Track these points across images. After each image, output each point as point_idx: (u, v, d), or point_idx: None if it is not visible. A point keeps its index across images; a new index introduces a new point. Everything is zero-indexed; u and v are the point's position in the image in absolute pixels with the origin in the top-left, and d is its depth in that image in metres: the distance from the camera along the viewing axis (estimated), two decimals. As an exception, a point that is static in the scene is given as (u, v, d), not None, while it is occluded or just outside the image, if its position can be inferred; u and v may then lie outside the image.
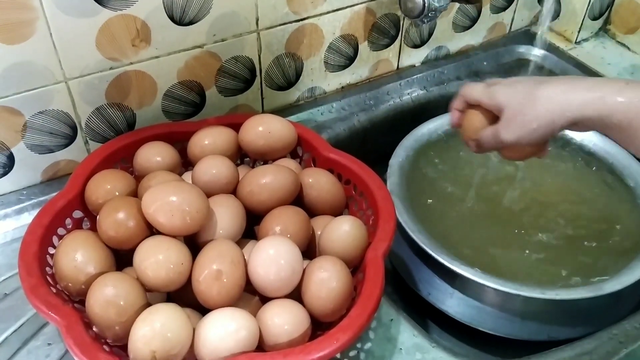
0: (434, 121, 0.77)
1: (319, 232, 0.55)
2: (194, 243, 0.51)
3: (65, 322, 0.44)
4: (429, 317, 0.67)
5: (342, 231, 0.52)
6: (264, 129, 0.60)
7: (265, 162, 0.62)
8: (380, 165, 0.69)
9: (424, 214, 0.66)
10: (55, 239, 0.53)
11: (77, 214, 0.55)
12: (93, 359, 0.42)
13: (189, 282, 0.48)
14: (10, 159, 0.63)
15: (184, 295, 0.49)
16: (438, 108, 0.80)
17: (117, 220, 0.49)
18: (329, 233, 0.52)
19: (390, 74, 0.86)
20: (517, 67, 0.92)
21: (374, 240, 0.52)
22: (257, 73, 0.73)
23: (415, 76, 0.86)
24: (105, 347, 0.46)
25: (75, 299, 0.49)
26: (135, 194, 0.55)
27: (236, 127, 0.61)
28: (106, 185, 0.54)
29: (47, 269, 0.50)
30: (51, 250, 0.52)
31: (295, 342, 0.46)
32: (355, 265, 0.52)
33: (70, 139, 0.65)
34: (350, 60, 0.81)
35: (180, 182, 0.51)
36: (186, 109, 0.70)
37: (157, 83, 0.66)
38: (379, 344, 0.53)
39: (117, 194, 0.54)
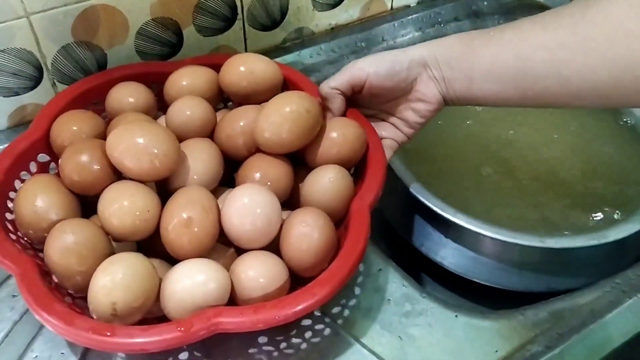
0: None
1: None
2: (165, 190, 0.47)
3: (20, 270, 0.41)
4: (422, 270, 0.64)
5: (326, 180, 0.47)
6: (246, 69, 0.55)
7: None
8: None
9: (417, 161, 0.62)
10: (18, 184, 0.49)
11: (43, 157, 0.51)
12: (47, 309, 0.39)
13: (158, 231, 0.45)
14: None
15: (154, 245, 0.46)
16: None
17: (80, 163, 0.45)
18: (312, 183, 0.48)
19: (383, 15, 0.81)
20: (520, 8, 0.85)
21: (361, 189, 0.48)
22: (239, 11, 0.68)
23: (410, 17, 0.81)
24: (67, 298, 0.43)
25: (37, 246, 0.46)
26: (104, 137, 0.51)
27: (218, 68, 0.57)
28: (72, 127, 0.50)
29: (8, 214, 0.47)
30: (13, 195, 0.48)
31: (270, 296, 0.42)
32: (340, 217, 0.48)
33: (36, 80, 0.60)
34: None
35: (148, 123, 0.46)
36: (162, 49, 0.66)
37: (128, 19, 0.61)
38: (365, 296, 0.50)
39: (84, 136, 0.50)
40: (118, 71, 0.57)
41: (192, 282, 0.41)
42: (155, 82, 0.58)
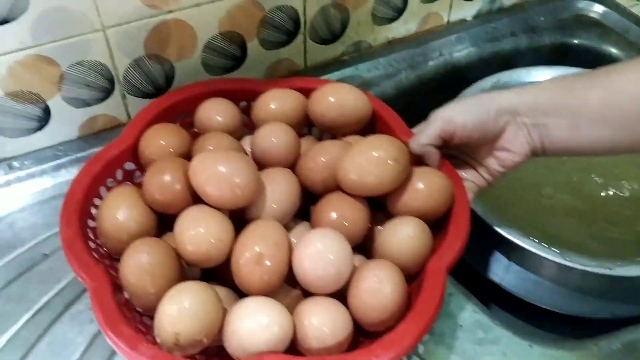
0: (487, 81, 0.71)
1: (380, 227, 0.49)
2: (240, 217, 0.47)
3: (94, 284, 0.42)
4: (481, 291, 0.61)
5: (404, 235, 0.46)
6: (336, 101, 0.54)
7: (334, 137, 0.57)
8: None
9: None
10: (103, 190, 0.50)
11: (129, 165, 0.53)
12: (115, 330, 0.40)
13: (228, 259, 0.44)
14: (46, 112, 0.60)
15: (222, 272, 0.45)
16: (490, 66, 0.77)
17: (162, 182, 0.46)
18: (389, 234, 0.46)
19: (439, 29, 0.80)
20: (576, 24, 0.85)
21: (440, 248, 0.46)
22: (301, 24, 0.68)
23: (467, 31, 0.80)
24: (135, 314, 0.44)
25: (115, 256, 0.47)
26: (190, 152, 0.52)
27: (306, 92, 0.56)
28: (160, 141, 0.51)
29: (90, 221, 0.48)
30: (97, 202, 0.49)
31: (331, 349, 0.41)
32: (414, 273, 0.46)
33: (108, 92, 0.62)
34: (399, 12, 0.75)
35: (232, 152, 0.46)
36: (226, 62, 0.67)
37: (197, 34, 0.62)
38: (438, 320, 0.48)
39: (171, 150, 0.51)
40: (210, 85, 0.57)
41: (256, 324, 0.40)
42: (244, 99, 0.58)
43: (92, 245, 0.47)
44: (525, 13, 0.83)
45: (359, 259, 0.49)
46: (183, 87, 0.57)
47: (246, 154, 0.53)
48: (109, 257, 0.47)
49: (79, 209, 0.47)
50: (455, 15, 0.80)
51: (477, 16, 0.82)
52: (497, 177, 0.52)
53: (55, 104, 0.60)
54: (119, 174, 0.52)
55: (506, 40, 0.81)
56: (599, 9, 0.85)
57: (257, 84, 0.58)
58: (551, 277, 0.56)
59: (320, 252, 0.43)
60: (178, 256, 0.44)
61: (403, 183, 0.48)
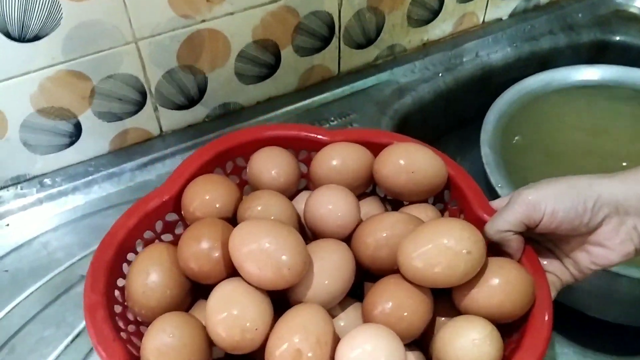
0: (528, 81, 0.68)
1: (443, 319, 0.42)
2: (280, 297, 0.41)
3: (111, 363, 0.37)
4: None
5: (468, 340, 0.38)
6: (407, 164, 0.47)
7: (398, 202, 0.50)
8: (463, 129, 0.65)
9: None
10: (139, 244, 0.46)
11: (171, 216, 0.48)
12: None
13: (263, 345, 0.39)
14: (77, 128, 0.58)
15: (251, 356, 0.40)
16: (528, 67, 0.75)
17: (199, 250, 0.41)
18: (451, 336, 0.39)
19: (475, 29, 0.77)
20: (615, 20, 0.81)
21: (516, 355, 0.38)
22: (336, 30, 0.65)
23: (503, 31, 0.78)
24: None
25: (144, 322, 0.43)
26: (238, 204, 0.47)
27: (373, 147, 0.50)
28: (205, 195, 0.46)
29: (121, 280, 0.44)
30: (131, 257, 0.45)
31: None
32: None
33: (139, 105, 0.60)
34: (435, 13, 0.73)
35: (280, 225, 0.40)
36: (260, 70, 0.64)
37: (230, 42, 0.60)
38: None
39: (217, 206, 0.46)
40: (266, 131, 0.52)
41: None
42: (304, 149, 0.52)
43: (118, 309, 0.42)
44: (562, 10, 0.80)
45: (414, 356, 0.42)
46: (238, 131, 0.52)
47: (298, 217, 0.47)
48: (136, 323, 0.43)
49: (109, 269, 0.42)
50: (491, 15, 0.77)
51: (514, 15, 0.79)
52: (585, 275, 0.44)
53: (86, 119, 0.58)
54: (159, 226, 0.47)
55: (544, 39, 0.78)
56: (639, 3, 0.81)
57: (320, 132, 0.52)
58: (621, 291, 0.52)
59: (368, 354, 0.36)
60: (207, 337, 0.39)
61: (475, 276, 0.40)
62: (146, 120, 0.61)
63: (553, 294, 0.43)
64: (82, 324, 0.49)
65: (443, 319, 0.43)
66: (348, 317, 0.43)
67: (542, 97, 0.68)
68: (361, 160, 0.49)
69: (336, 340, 0.38)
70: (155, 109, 0.61)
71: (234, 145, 0.51)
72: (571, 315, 0.54)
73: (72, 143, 0.59)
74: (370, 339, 0.37)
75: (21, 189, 0.58)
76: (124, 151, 0.62)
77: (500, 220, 0.42)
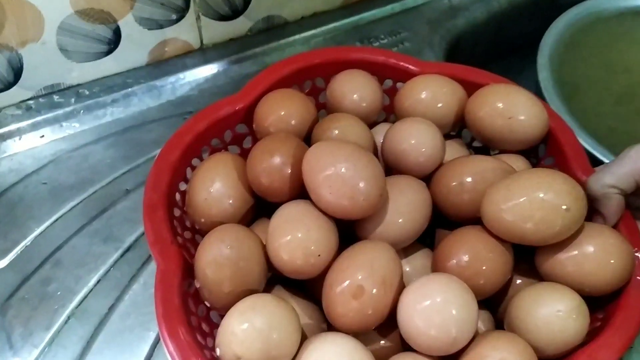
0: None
1: (519, 280, 0.38)
2: (347, 230, 0.38)
3: (164, 266, 0.36)
4: None
5: (552, 311, 0.34)
6: (505, 108, 0.42)
7: (485, 151, 0.45)
8: (513, 57, 0.62)
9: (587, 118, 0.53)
10: (206, 152, 0.43)
11: (241, 128, 0.45)
12: (170, 326, 0.33)
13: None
14: (117, 34, 0.54)
15: (309, 282, 0.38)
16: None
17: (271, 165, 0.38)
18: (531, 304, 0.35)
19: None
20: None
21: (597, 340, 0.34)
22: None
23: None
24: (203, 307, 0.37)
25: (201, 230, 0.41)
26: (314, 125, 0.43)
27: (467, 85, 0.45)
28: (280, 111, 0.43)
29: (183, 184, 0.41)
30: (196, 162, 0.43)
31: None
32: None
33: (182, 12, 0.55)
34: None
35: (359, 149, 0.37)
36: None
37: None
38: None
39: (292, 123, 0.42)
40: (353, 52, 0.48)
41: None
42: (390, 78, 0.48)
43: (177, 212, 0.40)
44: None
45: (484, 316, 0.38)
46: (321, 49, 0.48)
47: (376, 149, 0.43)
48: (194, 230, 0.41)
49: (172, 170, 0.40)
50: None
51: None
52: None
53: (126, 24, 0.54)
54: (228, 136, 0.45)
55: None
56: None
57: (411, 62, 0.48)
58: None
59: (438, 306, 0.33)
60: (266, 255, 0.37)
61: (567, 240, 0.36)
62: (187, 31, 0.57)
63: None
64: (132, 238, 0.47)
65: (519, 281, 0.39)
66: (415, 263, 0.40)
67: (609, 19, 0.62)
68: (453, 97, 0.44)
69: (402, 285, 0.35)
70: (198, 18, 0.57)
71: (316, 64, 0.47)
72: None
73: (110, 51, 0.56)
74: (442, 290, 0.33)
75: (57, 99, 0.55)
76: (164, 64, 0.58)
77: (608, 173, 0.37)
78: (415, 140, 0.40)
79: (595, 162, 0.49)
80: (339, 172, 0.35)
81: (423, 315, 0.33)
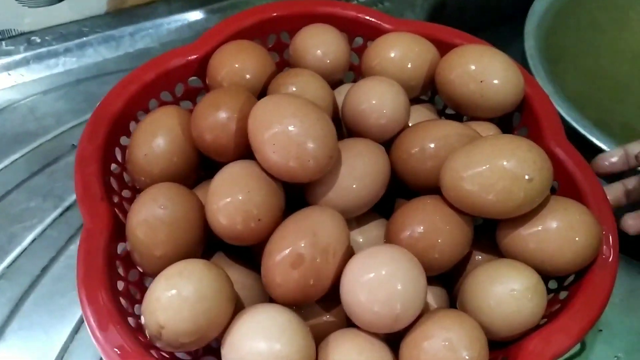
0: None
1: (479, 257, 0.36)
2: (295, 193, 0.35)
3: (91, 224, 0.33)
4: None
5: (506, 290, 0.31)
6: (478, 71, 0.39)
7: (458, 118, 0.42)
8: (501, 26, 0.58)
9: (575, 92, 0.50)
10: (154, 104, 0.40)
11: (196, 82, 0.42)
12: (89, 290, 0.30)
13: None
14: None
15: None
16: None
17: (216, 120, 0.35)
18: (484, 281, 0.32)
19: None
20: None
21: (553, 324, 0.31)
22: None
23: None
24: (134, 271, 0.34)
25: (141, 189, 0.38)
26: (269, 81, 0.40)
27: (442, 46, 0.42)
28: (234, 63, 0.39)
29: (125, 138, 0.38)
30: (143, 116, 0.39)
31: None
32: (502, 341, 0.33)
33: None
34: None
35: (311, 105, 0.33)
36: None
37: None
38: None
39: (247, 77, 0.39)
40: (320, 6, 0.44)
41: (263, 348, 0.29)
42: (361, 35, 0.44)
43: (116, 168, 0.37)
44: None
45: (437, 293, 0.36)
46: (287, 1, 0.44)
47: (337, 110, 0.40)
48: (134, 190, 0.38)
49: (111, 122, 0.37)
50: None
51: None
52: None
53: None
54: (180, 90, 0.42)
55: None
56: None
57: (384, 19, 0.44)
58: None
59: (383, 280, 0.30)
60: (202, 215, 0.34)
61: (529, 213, 0.33)
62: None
63: None
64: (74, 196, 0.43)
65: (479, 258, 0.36)
66: (369, 234, 0.37)
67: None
68: (426, 58, 0.41)
69: (349, 254, 0.33)
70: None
71: (280, 16, 0.44)
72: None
73: (64, -5, 0.52)
74: (388, 263, 0.31)
75: (6, 46, 0.51)
76: (124, 13, 0.54)
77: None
78: (377, 100, 0.37)
79: (576, 134, 0.46)
80: (285, 129, 0.32)
81: (366, 289, 0.30)
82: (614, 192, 0.40)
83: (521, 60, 0.53)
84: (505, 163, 0.32)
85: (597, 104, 0.52)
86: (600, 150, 0.44)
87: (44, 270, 0.40)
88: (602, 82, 0.54)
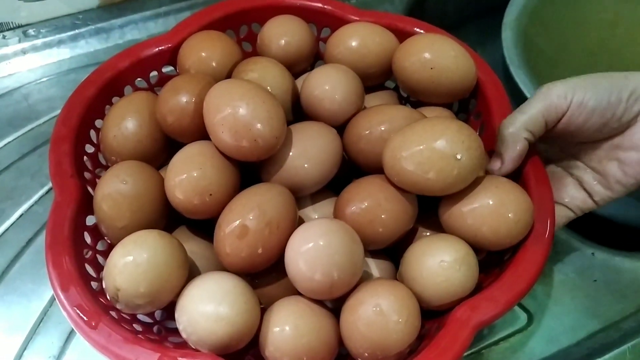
0: None
1: (427, 233, 0.38)
2: (254, 172, 0.38)
3: (60, 197, 0.36)
4: None
5: (436, 261, 0.34)
6: (431, 59, 0.41)
7: (420, 105, 0.44)
8: (486, 19, 0.59)
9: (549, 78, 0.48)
10: (128, 90, 0.43)
11: (169, 70, 0.45)
12: (54, 255, 0.34)
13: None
14: None
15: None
16: None
17: (176, 103, 0.38)
18: (418, 254, 0.35)
19: None
20: None
21: (480, 294, 0.33)
22: None
23: None
24: (102, 241, 0.38)
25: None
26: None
27: (404, 36, 0.43)
28: (201, 52, 0.42)
29: (100, 121, 0.42)
30: (116, 101, 0.43)
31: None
32: (435, 310, 0.35)
33: None
34: None
35: (260, 89, 0.36)
36: None
37: None
38: None
39: (213, 65, 0.42)
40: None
41: (210, 312, 0.32)
42: (328, 26, 0.47)
43: (90, 149, 0.40)
44: None
45: (383, 266, 0.38)
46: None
47: (297, 97, 0.43)
48: (107, 168, 0.41)
49: (86, 105, 0.40)
50: None
51: None
52: (615, 194, 0.38)
53: None
54: (155, 77, 0.44)
55: None
56: None
57: (350, 10, 0.46)
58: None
59: (321, 250, 0.33)
60: (163, 191, 0.37)
61: (464, 190, 0.35)
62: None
63: (560, 226, 0.37)
64: None
65: (427, 234, 0.39)
66: (322, 210, 0.39)
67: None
68: (386, 47, 0.43)
69: (294, 228, 0.35)
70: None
71: (250, 8, 0.46)
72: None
73: (60, -9, 0.56)
74: (325, 234, 0.33)
75: (3, 38, 0.55)
76: (115, 7, 0.57)
77: (518, 112, 0.36)
78: (330, 86, 0.39)
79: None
80: (233, 112, 0.35)
81: (305, 258, 0.33)
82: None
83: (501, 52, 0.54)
84: (435, 143, 0.34)
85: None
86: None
87: (29, 242, 0.44)
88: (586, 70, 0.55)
